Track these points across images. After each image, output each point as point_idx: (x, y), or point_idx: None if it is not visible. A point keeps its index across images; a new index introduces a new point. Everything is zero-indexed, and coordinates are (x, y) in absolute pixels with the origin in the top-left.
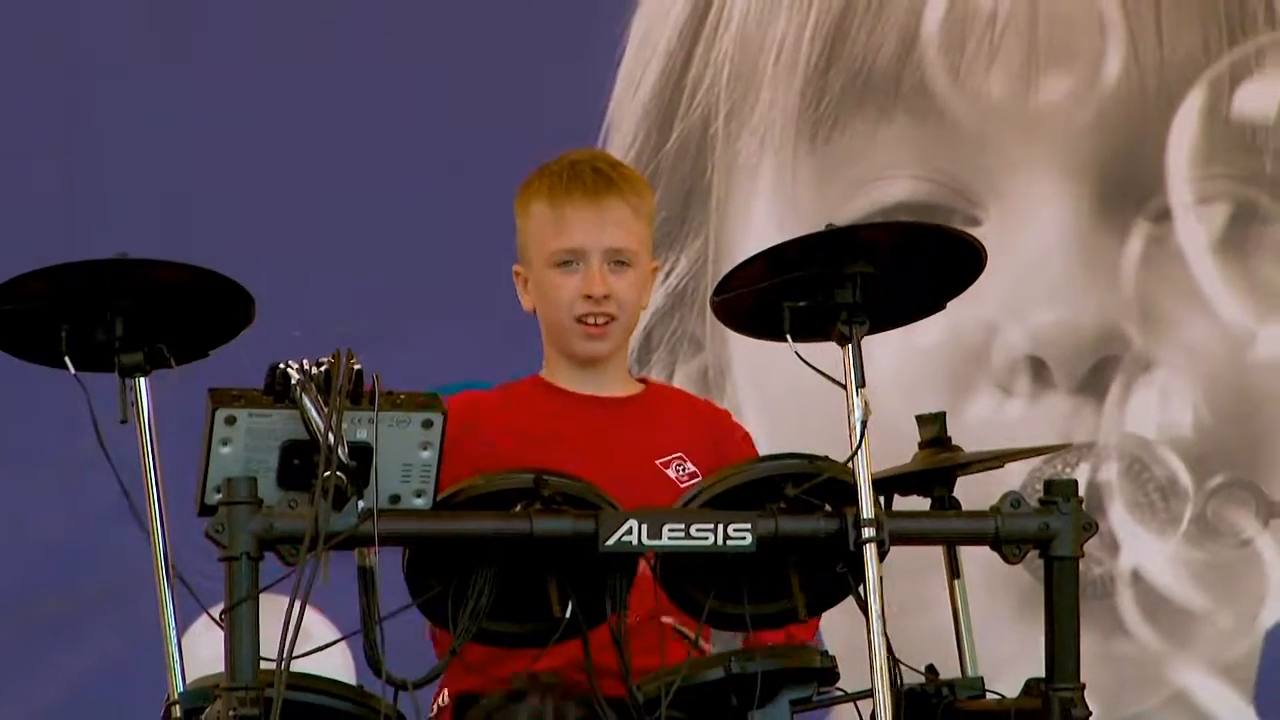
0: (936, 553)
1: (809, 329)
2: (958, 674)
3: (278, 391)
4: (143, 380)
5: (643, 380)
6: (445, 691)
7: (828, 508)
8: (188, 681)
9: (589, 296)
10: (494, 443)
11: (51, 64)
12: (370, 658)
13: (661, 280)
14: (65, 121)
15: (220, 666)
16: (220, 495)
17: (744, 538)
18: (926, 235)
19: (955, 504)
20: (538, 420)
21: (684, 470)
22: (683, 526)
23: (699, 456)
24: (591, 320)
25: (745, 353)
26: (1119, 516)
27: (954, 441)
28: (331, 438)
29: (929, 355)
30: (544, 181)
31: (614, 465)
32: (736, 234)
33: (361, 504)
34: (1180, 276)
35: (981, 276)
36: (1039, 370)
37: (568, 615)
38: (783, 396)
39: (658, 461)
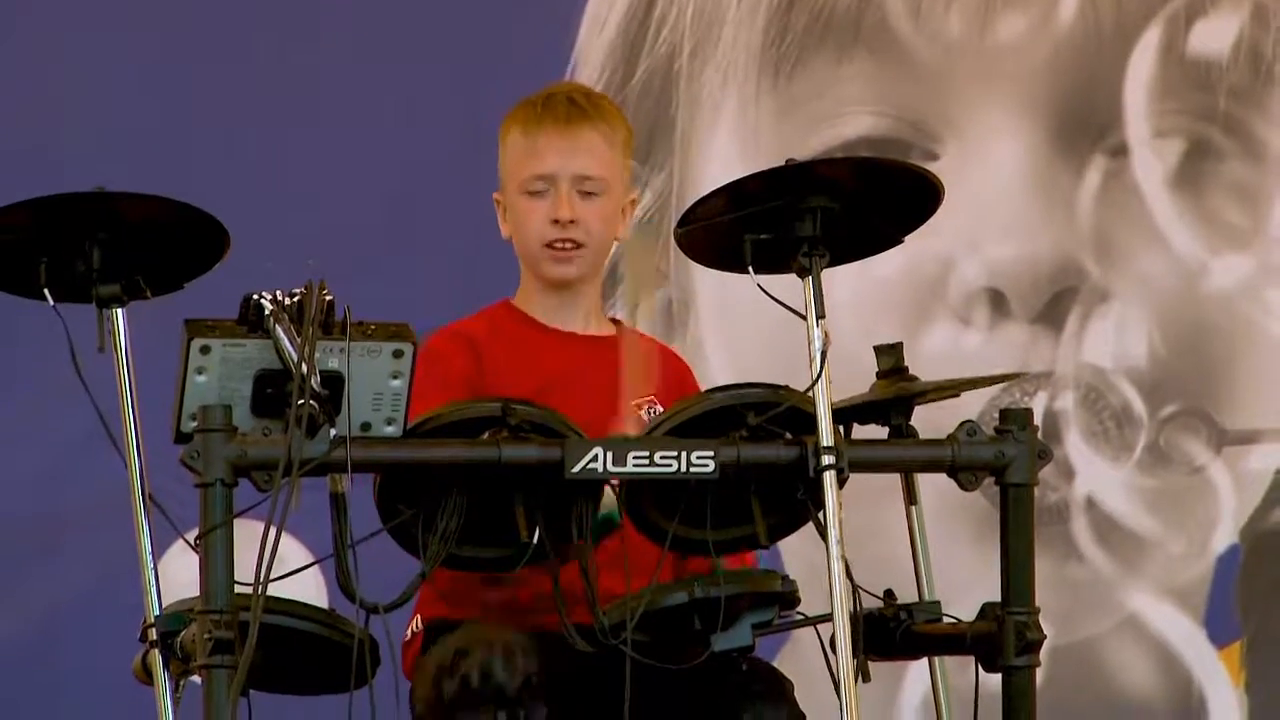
0: (894, 480)
1: (770, 261)
2: (915, 598)
3: (251, 322)
4: (120, 311)
5: (614, 321)
6: (418, 617)
7: (788, 436)
8: (164, 605)
9: (556, 221)
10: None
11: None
12: (342, 582)
13: None
14: (44, 59)
15: (195, 590)
16: (195, 423)
17: (707, 465)
18: (885, 170)
19: (913, 432)
20: (517, 356)
21: (655, 412)
22: (647, 454)
23: (668, 401)
24: (559, 245)
25: (709, 285)
26: (1074, 444)
27: (911, 371)
28: (304, 367)
29: (888, 287)
30: (522, 111)
31: (595, 403)
32: (700, 168)
33: (334, 432)
34: (1136, 210)
35: (939, 210)
36: (997, 301)
37: (534, 541)
38: (745, 327)
39: (633, 402)
